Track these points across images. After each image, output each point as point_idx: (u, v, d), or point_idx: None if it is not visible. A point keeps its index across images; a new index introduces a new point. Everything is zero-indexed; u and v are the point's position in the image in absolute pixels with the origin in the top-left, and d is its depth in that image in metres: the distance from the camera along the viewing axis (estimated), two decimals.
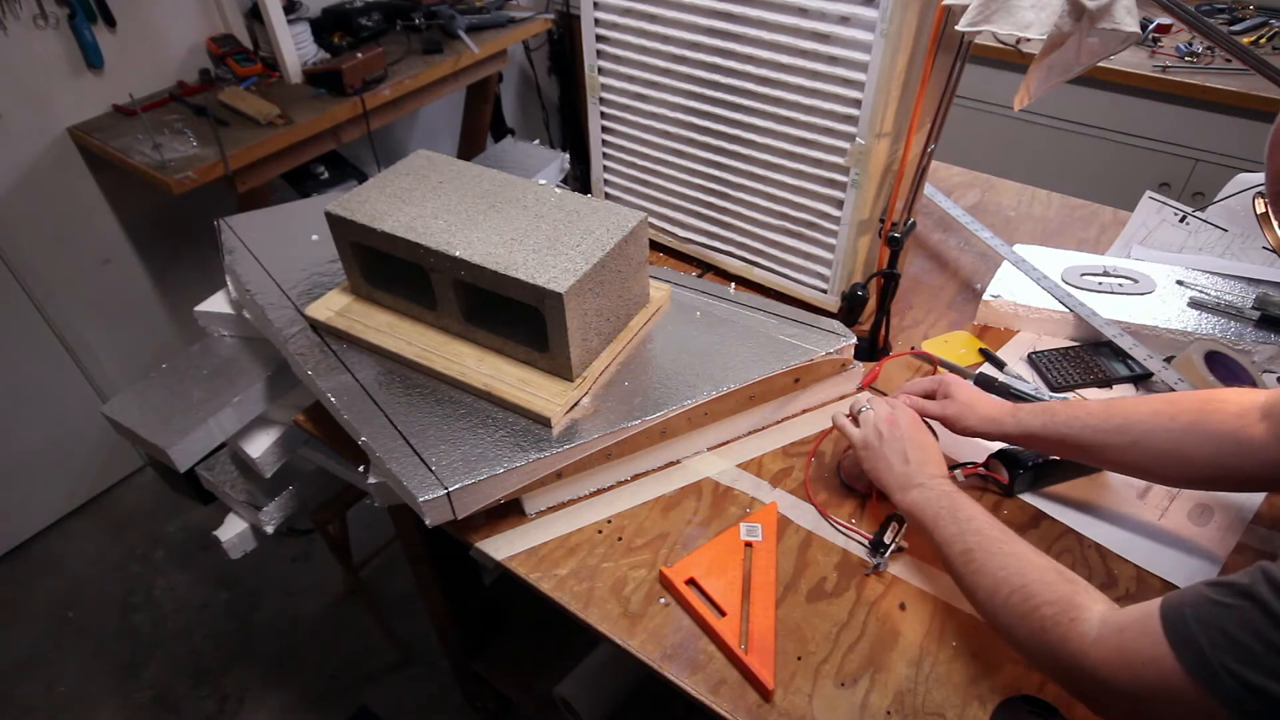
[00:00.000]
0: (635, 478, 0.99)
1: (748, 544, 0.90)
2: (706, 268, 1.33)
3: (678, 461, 1.02)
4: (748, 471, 1.00)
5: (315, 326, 1.08)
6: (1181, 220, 1.31)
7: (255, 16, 1.98)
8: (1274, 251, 1.16)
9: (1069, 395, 1.07)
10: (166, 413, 1.13)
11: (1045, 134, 2.19)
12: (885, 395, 1.02)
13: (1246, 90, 1.86)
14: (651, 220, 1.35)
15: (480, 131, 2.69)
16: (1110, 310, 1.13)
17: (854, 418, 0.92)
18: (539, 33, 2.44)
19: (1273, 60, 0.91)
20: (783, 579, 0.88)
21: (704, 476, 1.00)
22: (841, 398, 1.10)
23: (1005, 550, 0.71)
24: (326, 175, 2.10)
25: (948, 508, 0.77)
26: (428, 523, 0.87)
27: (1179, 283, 1.18)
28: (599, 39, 1.22)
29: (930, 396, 0.95)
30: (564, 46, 3.00)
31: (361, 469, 0.97)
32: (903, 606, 0.85)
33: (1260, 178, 1.27)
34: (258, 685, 1.83)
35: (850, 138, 1.03)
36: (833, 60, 1.00)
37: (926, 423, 0.92)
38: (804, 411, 1.08)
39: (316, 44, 2.06)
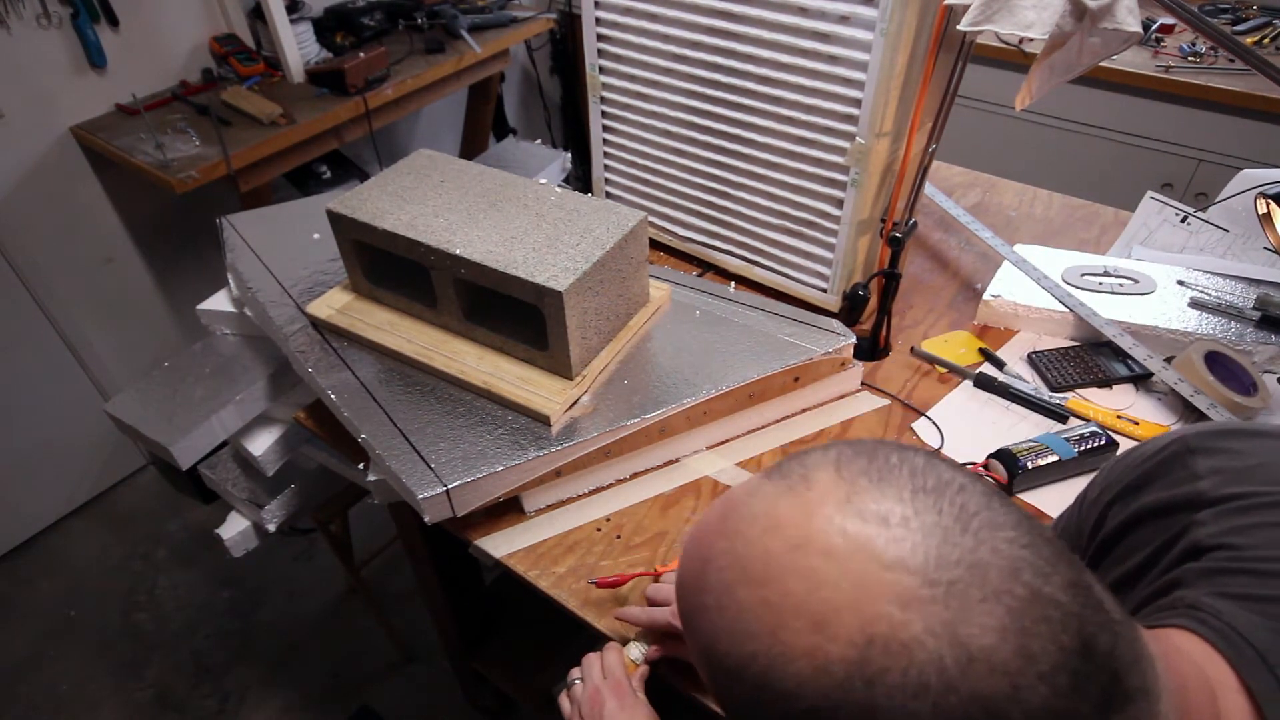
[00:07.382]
0: (634, 476, 1.00)
1: None
2: (707, 267, 1.33)
3: (677, 460, 1.02)
4: (747, 470, 1.00)
5: (316, 324, 1.08)
6: (1183, 220, 1.31)
7: (258, 16, 1.99)
8: (1275, 252, 1.16)
9: (1068, 395, 1.07)
10: (168, 410, 1.13)
11: (1047, 134, 2.19)
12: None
13: (1250, 90, 1.85)
14: (652, 219, 1.35)
15: (482, 131, 2.70)
16: (1111, 310, 1.13)
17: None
18: (541, 32, 2.45)
19: (1276, 61, 0.91)
20: None
21: (703, 475, 1.00)
22: (841, 396, 1.10)
23: None
24: (329, 175, 2.10)
25: None
26: (427, 520, 0.87)
27: (1180, 283, 1.18)
28: (600, 38, 1.22)
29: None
30: (566, 46, 3.01)
31: (361, 466, 0.97)
32: None
33: (1264, 174, 1.27)
34: (259, 684, 1.83)
35: (850, 137, 1.03)
36: (833, 60, 1.00)
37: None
38: (803, 410, 1.08)
39: (319, 43, 2.07)
